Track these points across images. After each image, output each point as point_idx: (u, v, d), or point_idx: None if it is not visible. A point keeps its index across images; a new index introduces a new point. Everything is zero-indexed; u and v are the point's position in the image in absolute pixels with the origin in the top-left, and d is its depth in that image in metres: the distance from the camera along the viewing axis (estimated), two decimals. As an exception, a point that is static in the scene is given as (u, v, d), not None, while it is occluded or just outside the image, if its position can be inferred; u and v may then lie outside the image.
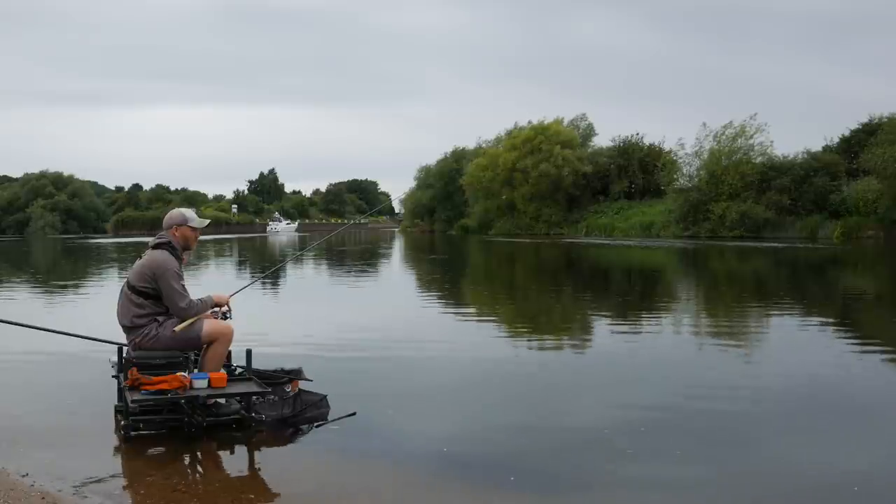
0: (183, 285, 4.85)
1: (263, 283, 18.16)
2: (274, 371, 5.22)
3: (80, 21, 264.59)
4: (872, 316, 11.10)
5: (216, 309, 5.04)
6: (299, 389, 5.08)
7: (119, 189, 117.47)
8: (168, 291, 4.76)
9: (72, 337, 5.49)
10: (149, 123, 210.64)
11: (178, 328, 4.75)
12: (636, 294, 14.62)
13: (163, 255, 4.86)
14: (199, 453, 4.43)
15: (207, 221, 5.49)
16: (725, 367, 7.05)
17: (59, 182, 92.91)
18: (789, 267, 21.86)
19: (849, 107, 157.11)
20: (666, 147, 55.02)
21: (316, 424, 4.84)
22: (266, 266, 23.75)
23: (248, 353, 5.00)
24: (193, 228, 5.09)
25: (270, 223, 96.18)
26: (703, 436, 4.74)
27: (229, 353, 5.07)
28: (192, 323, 4.79)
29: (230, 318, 5.12)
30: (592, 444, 4.54)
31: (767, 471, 4.03)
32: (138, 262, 4.93)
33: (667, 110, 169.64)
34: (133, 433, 4.52)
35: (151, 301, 4.80)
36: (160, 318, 4.80)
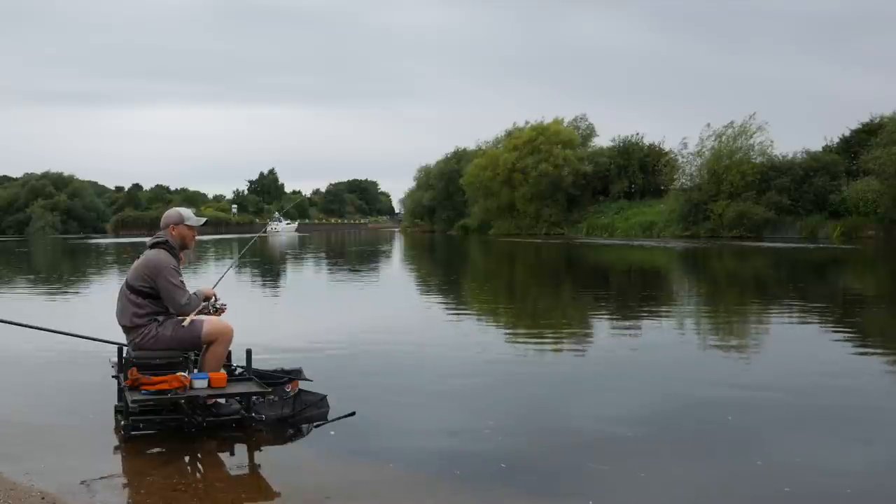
0: (182, 281, 4.85)
1: (264, 283, 18.17)
2: (274, 371, 5.23)
3: (80, 21, 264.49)
4: (873, 316, 11.10)
5: (205, 302, 5.06)
6: (299, 389, 5.09)
7: (119, 189, 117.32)
8: (167, 289, 4.76)
9: (72, 337, 5.49)
10: (149, 123, 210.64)
11: (186, 322, 4.75)
12: (639, 294, 14.62)
13: (160, 255, 4.87)
14: (198, 453, 4.43)
15: (204, 220, 5.49)
16: (726, 367, 7.06)
17: (59, 182, 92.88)
18: (791, 267, 21.86)
19: (849, 107, 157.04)
20: (666, 147, 55.12)
21: (316, 424, 4.85)
22: (267, 265, 23.75)
23: (248, 353, 5.00)
24: (190, 227, 5.09)
25: (270, 223, 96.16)
26: (703, 436, 4.74)
27: (229, 353, 5.08)
28: (176, 321, 4.80)
29: (220, 307, 5.14)
30: (593, 445, 4.54)
31: (768, 471, 4.03)
32: (136, 263, 4.94)
33: (667, 110, 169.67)
34: (133, 433, 4.53)
35: (151, 300, 4.80)
36: (160, 318, 4.80)
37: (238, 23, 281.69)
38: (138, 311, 4.78)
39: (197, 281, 7.01)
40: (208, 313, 5.05)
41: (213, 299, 5.15)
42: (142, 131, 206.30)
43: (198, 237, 5.26)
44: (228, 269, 7.10)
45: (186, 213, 5.15)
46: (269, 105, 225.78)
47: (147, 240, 5.13)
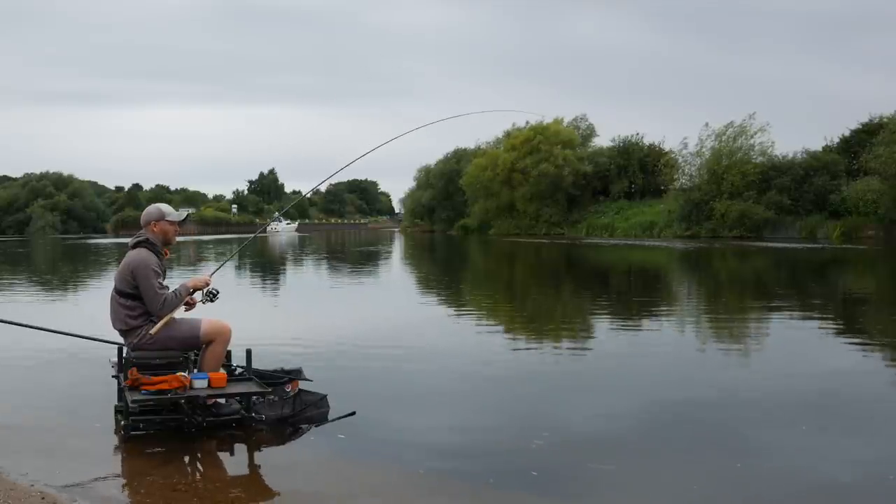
0: (160, 282, 4.78)
1: (264, 283, 18.19)
2: (274, 371, 5.23)
3: (80, 21, 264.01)
4: (874, 316, 11.09)
5: (197, 292, 4.98)
6: (299, 389, 5.09)
7: (119, 189, 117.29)
8: (147, 291, 4.69)
9: (72, 337, 5.49)
10: (148, 123, 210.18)
11: (153, 331, 4.71)
12: (643, 295, 14.62)
13: (140, 254, 4.81)
14: (198, 453, 4.43)
15: (185, 214, 5.40)
16: (727, 367, 7.06)
17: (59, 182, 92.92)
18: (793, 267, 21.86)
19: (849, 107, 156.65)
20: (666, 147, 55.08)
21: (316, 424, 4.85)
22: (267, 264, 23.74)
23: (248, 353, 5.00)
24: (171, 222, 5.02)
25: (271, 223, 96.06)
26: (703, 436, 4.74)
27: (229, 352, 5.07)
28: (171, 321, 4.76)
29: (217, 296, 5.03)
30: (593, 444, 4.54)
31: (767, 472, 4.03)
32: (121, 265, 4.89)
33: (667, 110, 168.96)
34: (133, 433, 4.53)
35: (141, 301, 4.75)
36: (155, 319, 4.77)
37: (237, 22, 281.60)
38: (131, 313, 4.75)
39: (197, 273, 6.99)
40: (202, 303, 5.01)
41: (207, 287, 5.01)
42: (141, 131, 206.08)
43: (198, 237, 5.24)
44: (227, 260, 7.04)
45: (167, 208, 5.07)
46: (267, 105, 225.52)
47: (129, 240, 5.10)
